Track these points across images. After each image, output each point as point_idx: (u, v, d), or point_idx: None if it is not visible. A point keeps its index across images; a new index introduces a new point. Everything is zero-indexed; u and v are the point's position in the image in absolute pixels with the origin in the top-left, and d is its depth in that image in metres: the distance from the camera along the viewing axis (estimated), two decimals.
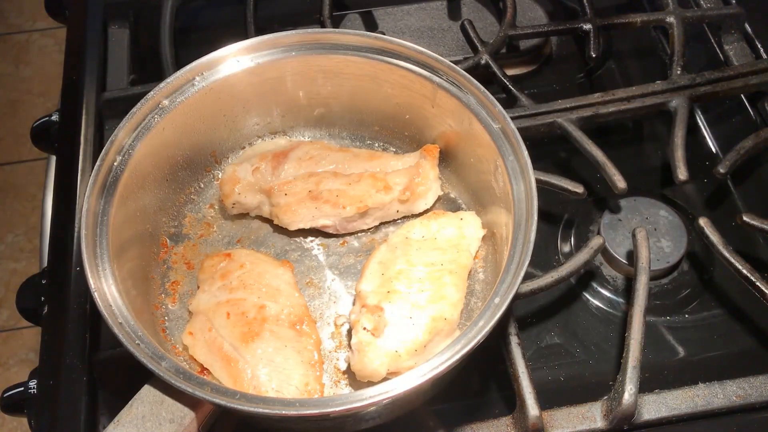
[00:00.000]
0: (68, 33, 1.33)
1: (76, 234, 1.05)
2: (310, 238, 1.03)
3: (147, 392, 0.78)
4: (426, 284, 0.91)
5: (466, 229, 0.98)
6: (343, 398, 0.75)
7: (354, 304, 0.94)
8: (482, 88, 0.95)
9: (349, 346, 0.90)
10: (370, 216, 1.02)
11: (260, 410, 0.74)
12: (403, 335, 0.87)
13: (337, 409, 0.74)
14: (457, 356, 0.76)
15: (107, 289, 0.83)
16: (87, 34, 1.31)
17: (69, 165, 1.14)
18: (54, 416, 0.92)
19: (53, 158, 1.28)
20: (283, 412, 0.74)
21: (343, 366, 0.92)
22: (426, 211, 1.04)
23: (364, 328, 0.87)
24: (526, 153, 0.89)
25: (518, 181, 0.90)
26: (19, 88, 2.67)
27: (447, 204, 1.06)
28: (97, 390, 0.96)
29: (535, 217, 0.85)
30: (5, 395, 1.04)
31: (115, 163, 0.91)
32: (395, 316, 0.88)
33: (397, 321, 0.88)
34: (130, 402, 0.77)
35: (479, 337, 0.77)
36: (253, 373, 0.87)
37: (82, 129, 1.18)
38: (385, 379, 0.84)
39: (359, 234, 1.04)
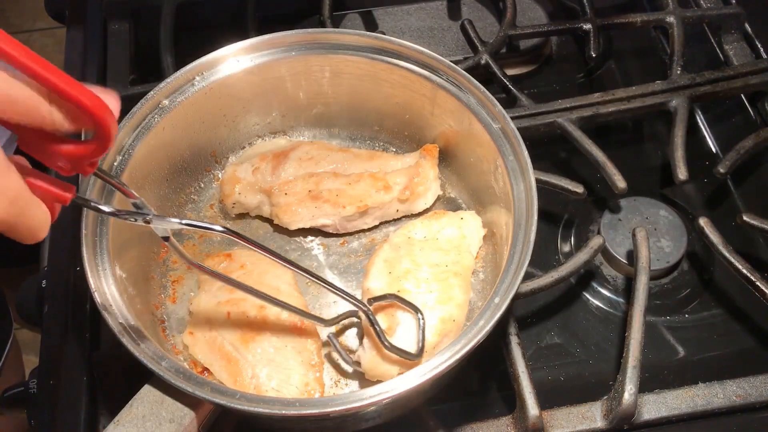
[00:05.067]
0: (68, 33, 1.33)
1: (76, 234, 1.05)
2: (310, 238, 1.03)
3: (147, 392, 0.78)
4: (433, 285, 0.91)
5: (466, 228, 0.98)
6: (343, 398, 0.75)
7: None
8: (482, 87, 0.95)
9: (360, 344, 0.89)
10: (370, 215, 1.02)
11: (260, 410, 0.74)
12: (414, 336, 0.87)
13: (337, 408, 0.74)
14: (458, 356, 0.76)
15: (107, 289, 0.82)
16: (87, 34, 1.31)
17: None
18: (54, 416, 0.92)
19: None
20: (284, 412, 0.74)
21: (344, 366, 0.92)
22: (426, 211, 1.04)
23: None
24: (526, 153, 0.89)
25: (518, 180, 0.90)
26: None
27: (447, 204, 1.06)
28: (97, 390, 0.96)
29: (535, 217, 0.85)
30: (5, 395, 1.05)
31: (115, 164, 0.91)
32: (406, 316, 0.88)
33: (408, 321, 0.88)
34: (130, 402, 0.77)
35: (479, 336, 0.77)
36: (254, 373, 0.87)
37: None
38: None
39: (359, 234, 1.04)
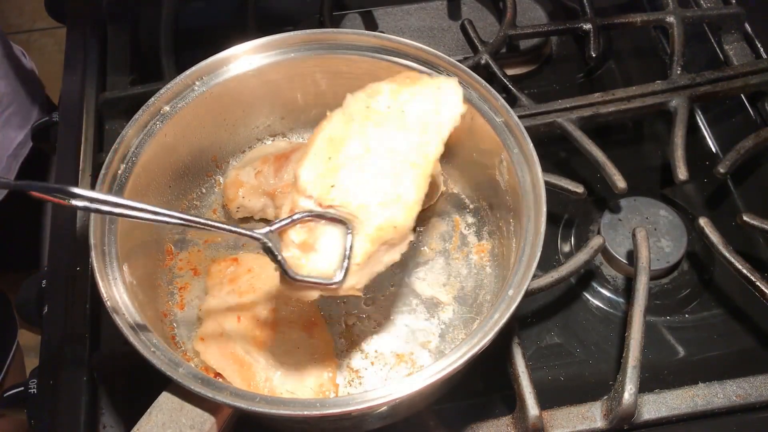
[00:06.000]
0: (68, 33, 1.33)
1: (77, 235, 1.06)
2: None
3: (165, 399, 0.77)
4: (380, 181, 0.77)
5: (442, 104, 0.83)
6: (364, 396, 0.74)
7: (290, 192, 0.80)
8: (483, 82, 0.94)
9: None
10: None
11: (282, 412, 0.73)
12: (341, 247, 0.74)
13: (359, 407, 0.73)
14: (476, 349, 0.75)
15: (119, 297, 0.82)
16: (87, 34, 1.31)
17: (69, 165, 1.14)
18: (54, 416, 0.93)
19: (53, 158, 1.28)
20: (305, 413, 0.73)
21: (356, 365, 0.92)
22: (429, 208, 1.03)
23: (293, 241, 0.74)
24: (531, 145, 0.89)
25: (524, 173, 0.89)
26: None
27: (450, 200, 1.05)
28: (97, 389, 0.96)
29: (545, 208, 0.84)
30: (5, 395, 1.05)
31: (119, 171, 0.90)
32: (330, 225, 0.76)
33: (333, 231, 0.75)
34: (148, 410, 0.76)
35: (496, 329, 0.77)
36: (267, 376, 0.87)
37: (83, 129, 1.18)
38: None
39: None
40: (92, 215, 0.85)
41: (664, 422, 0.90)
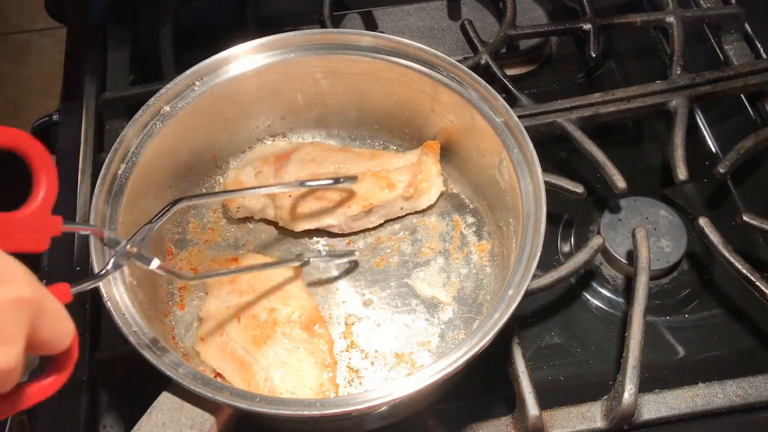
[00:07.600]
0: (68, 33, 1.33)
1: (78, 236, 1.06)
2: (315, 239, 1.03)
3: (165, 399, 0.77)
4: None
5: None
6: (364, 396, 0.74)
7: None
8: (483, 82, 0.94)
9: None
10: (375, 214, 1.02)
11: (282, 412, 0.73)
12: None
13: (359, 407, 0.73)
14: (476, 348, 0.75)
15: (119, 297, 0.81)
16: (87, 34, 1.31)
17: (69, 165, 1.14)
18: (54, 416, 0.93)
19: (53, 158, 1.28)
20: (305, 412, 0.73)
21: (356, 365, 0.92)
22: (429, 208, 1.04)
23: None
24: (531, 145, 0.89)
25: (524, 173, 0.89)
26: (20, 88, 2.66)
27: (450, 200, 1.06)
28: (97, 390, 0.96)
29: (545, 209, 0.85)
30: None
31: (120, 171, 0.90)
32: None
33: None
34: (148, 410, 0.76)
35: (496, 329, 0.77)
36: (267, 376, 0.87)
37: (82, 129, 1.18)
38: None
39: (364, 233, 1.03)
40: (92, 215, 0.86)
41: (664, 422, 0.90)
